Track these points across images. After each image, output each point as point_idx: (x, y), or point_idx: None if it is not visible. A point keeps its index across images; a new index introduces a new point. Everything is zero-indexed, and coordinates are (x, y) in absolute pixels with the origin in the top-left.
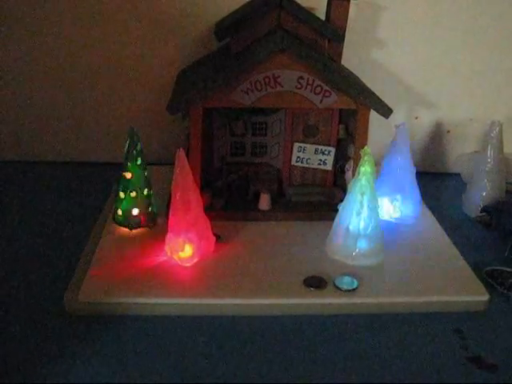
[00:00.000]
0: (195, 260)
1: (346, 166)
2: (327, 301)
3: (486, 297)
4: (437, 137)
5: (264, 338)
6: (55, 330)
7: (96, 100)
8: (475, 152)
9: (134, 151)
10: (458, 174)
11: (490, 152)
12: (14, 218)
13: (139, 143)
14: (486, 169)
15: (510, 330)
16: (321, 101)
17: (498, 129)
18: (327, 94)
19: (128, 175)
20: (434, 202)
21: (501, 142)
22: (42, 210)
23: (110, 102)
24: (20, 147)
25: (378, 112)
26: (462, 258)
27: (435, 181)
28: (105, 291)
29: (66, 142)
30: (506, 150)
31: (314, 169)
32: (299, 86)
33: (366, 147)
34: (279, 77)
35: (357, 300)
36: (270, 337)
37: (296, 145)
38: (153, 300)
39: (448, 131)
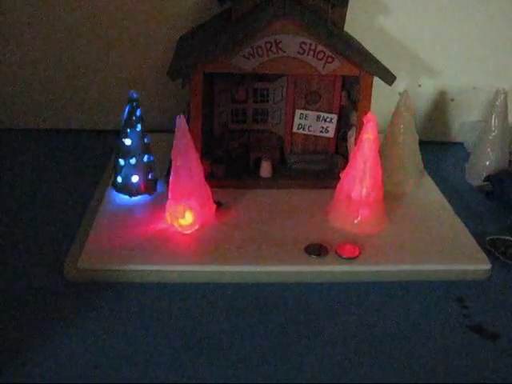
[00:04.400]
0: (195, 227)
1: (349, 133)
2: (328, 268)
3: (488, 266)
4: (440, 105)
5: (264, 305)
6: (55, 297)
7: (95, 66)
8: (479, 121)
9: (134, 117)
10: (461, 144)
11: (494, 121)
12: (13, 186)
13: (139, 109)
14: (490, 138)
15: None
16: (323, 67)
17: (502, 97)
18: (330, 59)
19: (127, 142)
20: (436, 171)
21: (505, 110)
22: (41, 177)
23: (109, 68)
24: (19, 115)
25: (381, 78)
26: (464, 226)
27: (438, 150)
28: (104, 258)
29: (64, 110)
30: (510, 119)
31: (315, 136)
32: (301, 51)
33: (369, 113)
34: (281, 42)
35: (358, 268)
36: (271, 304)
37: (298, 112)
38: (152, 267)
39: (452, 99)
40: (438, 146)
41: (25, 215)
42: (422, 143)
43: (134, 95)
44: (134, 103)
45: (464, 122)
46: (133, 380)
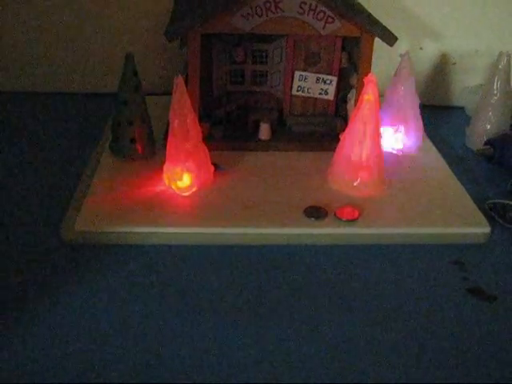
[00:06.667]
0: (193, 189)
1: (348, 96)
2: (327, 231)
3: (487, 229)
4: (442, 69)
5: (263, 268)
6: (52, 260)
7: (92, 28)
8: (480, 85)
9: (131, 78)
10: (463, 108)
11: (496, 84)
12: (10, 148)
13: (136, 70)
14: (492, 101)
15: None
16: (323, 27)
17: (505, 60)
18: (330, 20)
19: (124, 103)
20: (437, 135)
21: (508, 74)
22: (38, 140)
23: (106, 29)
24: (16, 78)
25: (382, 39)
26: (464, 190)
27: (439, 114)
28: (101, 221)
29: (61, 72)
30: None
31: (315, 98)
32: (301, 11)
33: (370, 74)
34: (280, 1)
35: (357, 230)
36: (269, 266)
37: (297, 73)
38: (150, 229)
39: (454, 63)
40: (438, 110)
41: (22, 178)
42: (422, 107)
43: (131, 55)
44: (132, 63)
45: (465, 86)
46: (131, 342)
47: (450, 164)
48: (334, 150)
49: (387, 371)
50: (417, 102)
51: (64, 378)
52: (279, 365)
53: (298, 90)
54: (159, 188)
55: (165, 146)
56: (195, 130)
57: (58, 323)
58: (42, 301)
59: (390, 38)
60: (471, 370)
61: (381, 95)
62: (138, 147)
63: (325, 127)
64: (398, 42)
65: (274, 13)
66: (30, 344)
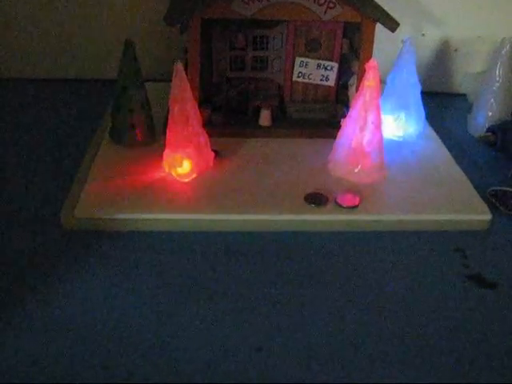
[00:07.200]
0: (193, 176)
1: (349, 82)
2: (328, 217)
3: (488, 216)
4: (444, 55)
5: (263, 255)
6: (51, 246)
7: (89, 13)
8: (482, 71)
9: (131, 64)
10: (464, 95)
11: (498, 70)
12: (10, 135)
13: (136, 55)
14: (494, 88)
15: None
16: (325, 12)
17: (508, 46)
18: (331, 5)
19: (124, 90)
20: (438, 122)
21: (511, 60)
22: (38, 127)
23: (104, 14)
24: (15, 65)
25: (384, 25)
26: (465, 177)
27: (440, 101)
28: (101, 207)
29: (60, 59)
30: None
31: (315, 85)
32: None
33: (371, 60)
34: None
35: (357, 217)
36: (269, 253)
37: (298, 59)
38: (149, 216)
39: (456, 49)
40: (440, 97)
41: (21, 165)
42: (424, 94)
43: (131, 42)
44: (131, 49)
45: (467, 72)
46: (130, 328)
47: (451, 151)
48: (334, 136)
49: (386, 357)
50: (418, 88)
51: (64, 365)
52: (276, 352)
53: (298, 77)
54: (159, 174)
55: (165, 132)
56: (195, 116)
57: (58, 310)
58: (42, 287)
59: (392, 24)
60: (470, 355)
61: (382, 82)
62: (138, 134)
63: (326, 114)
64: (399, 27)
65: None
66: (29, 331)
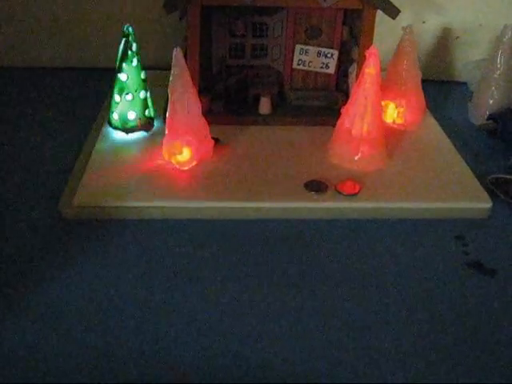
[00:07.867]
0: (193, 163)
1: (350, 69)
2: (328, 205)
3: (489, 204)
4: (445, 43)
5: (263, 242)
6: (50, 234)
7: (89, 1)
8: (482, 59)
9: (130, 51)
10: (465, 83)
11: (500, 58)
12: (9, 124)
13: (135, 43)
14: (495, 76)
15: None
16: None
17: (510, 33)
18: None
19: (123, 77)
20: (439, 110)
21: None
22: (37, 115)
23: (104, 2)
24: (15, 53)
25: (384, 12)
26: (466, 165)
27: (441, 89)
28: (100, 195)
29: (60, 47)
30: None
31: (315, 72)
32: None
33: (372, 47)
34: None
35: (358, 205)
36: (270, 240)
37: (298, 47)
38: (149, 204)
39: (457, 37)
40: (441, 85)
41: (20, 154)
42: (425, 82)
43: (130, 29)
44: (130, 37)
45: (468, 60)
46: (130, 313)
47: (451, 139)
48: (334, 124)
49: (384, 342)
50: (419, 76)
51: (62, 350)
52: (278, 338)
53: (298, 64)
54: (159, 162)
55: (164, 120)
56: (195, 103)
57: (57, 297)
58: (42, 275)
59: (393, 11)
60: (469, 341)
61: (382, 69)
62: (137, 121)
63: (326, 101)
64: (400, 15)
65: None
66: (30, 317)
